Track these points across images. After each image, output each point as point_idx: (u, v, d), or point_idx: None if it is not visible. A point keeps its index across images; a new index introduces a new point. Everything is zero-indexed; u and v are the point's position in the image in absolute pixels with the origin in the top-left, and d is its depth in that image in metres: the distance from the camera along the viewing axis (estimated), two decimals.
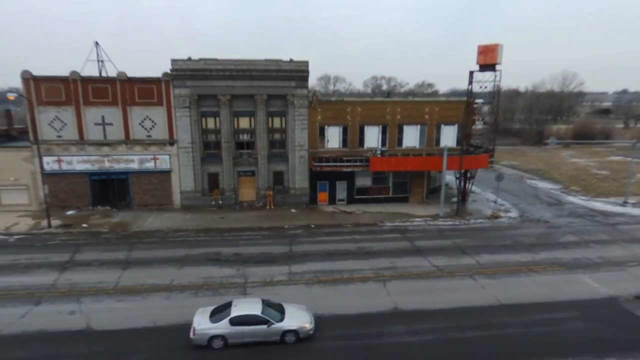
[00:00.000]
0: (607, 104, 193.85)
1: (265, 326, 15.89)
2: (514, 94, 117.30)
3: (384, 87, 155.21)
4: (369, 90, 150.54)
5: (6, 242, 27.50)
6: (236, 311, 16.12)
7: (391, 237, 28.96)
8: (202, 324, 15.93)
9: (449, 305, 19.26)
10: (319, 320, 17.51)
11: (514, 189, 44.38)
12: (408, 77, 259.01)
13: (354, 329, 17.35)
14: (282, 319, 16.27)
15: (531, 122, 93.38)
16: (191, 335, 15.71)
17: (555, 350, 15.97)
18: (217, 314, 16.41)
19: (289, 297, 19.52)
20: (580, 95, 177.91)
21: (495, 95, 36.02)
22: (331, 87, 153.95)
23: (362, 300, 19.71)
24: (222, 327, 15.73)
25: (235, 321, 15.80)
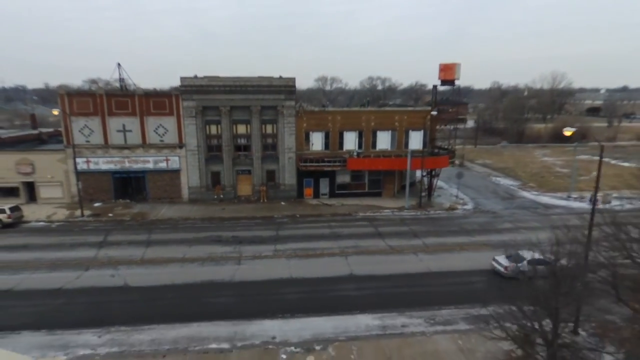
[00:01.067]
0: (599, 102, 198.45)
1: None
2: (498, 94, 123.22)
3: (379, 87, 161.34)
4: (366, 87, 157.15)
5: (50, 228, 34.30)
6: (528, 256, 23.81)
7: (360, 224, 35.56)
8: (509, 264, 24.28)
9: (391, 272, 25.86)
10: (290, 280, 24.25)
11: (477, 185, 50.79)
12: (404, 75, 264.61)
13: (315, 286, 24.00)
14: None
15: (512, 121, 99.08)
16: (503, 270, 24.45)
17: (457, 300, 22.53)
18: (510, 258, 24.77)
19: (272, 267, 26.24)
20: (570, 94, 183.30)
21: (453, 105, 42.36)
22: (328, 87, 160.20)
23: (327, 269, 26.33)
24: (524, 265, 23.13)
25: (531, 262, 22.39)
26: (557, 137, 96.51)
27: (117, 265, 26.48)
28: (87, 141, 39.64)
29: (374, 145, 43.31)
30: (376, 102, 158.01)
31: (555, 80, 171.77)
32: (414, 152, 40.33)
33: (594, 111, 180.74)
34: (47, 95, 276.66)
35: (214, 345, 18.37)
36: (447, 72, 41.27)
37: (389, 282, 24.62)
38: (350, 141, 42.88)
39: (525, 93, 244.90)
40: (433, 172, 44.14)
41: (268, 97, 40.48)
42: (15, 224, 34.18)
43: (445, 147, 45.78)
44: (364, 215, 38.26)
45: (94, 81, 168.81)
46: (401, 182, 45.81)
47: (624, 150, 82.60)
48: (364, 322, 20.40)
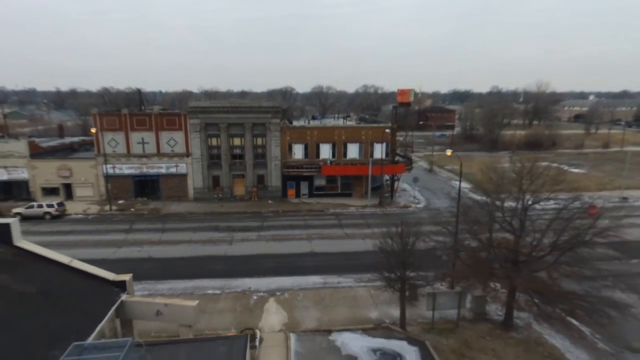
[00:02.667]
0: (585, 109, 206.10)
1: None
2: (476, 103, 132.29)
3: (373, 92, 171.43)
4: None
5: (87, 219, 44.25)
6: None
7: (328, 218, 45.21)
8: None
9: (340, 250, 35.47)
10: (267, 255, 33.99)
11: (435, 188, 60.26)
12: (404, 76, 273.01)
13: (284, 259, 33.69)
14: None
15: (488, 129, 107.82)
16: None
17: (379, 267, 32.08)
18: None
19: (255, 247, 35.98)
20: (556, 101, 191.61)
21: (406, 122, 51.95)
22: (326, 91, 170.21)
23: (294, 248, 36.00)
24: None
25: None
26: (530, 144, 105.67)
27: (142, 245, 36.31)
28: (114, 151, 49.61)
29: (344, 154, 52.95)
30: (371, 108, 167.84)
31: (539, 88, 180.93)
32: (376, 160, 49.93)
33: (580, 117, 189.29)
34: (57, 99, 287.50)
35: (210, 291, 28.08)
36: (403, 96, 50.94)
37: (337, 257, 34.24)
38: (325, 151, 52.57)
39: (521, 99, 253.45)
40: (395, 177, 53.73)
41: (258, 116, 50.30)
42: (60, 215, 44.16)
43: (404, 155, 55.37)
44: (334, 212, 47.90)
45: (106, 89, 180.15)
46: (370, 184, 55.36)
47: (585, 157, 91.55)
48: (312, 280, 30.06)
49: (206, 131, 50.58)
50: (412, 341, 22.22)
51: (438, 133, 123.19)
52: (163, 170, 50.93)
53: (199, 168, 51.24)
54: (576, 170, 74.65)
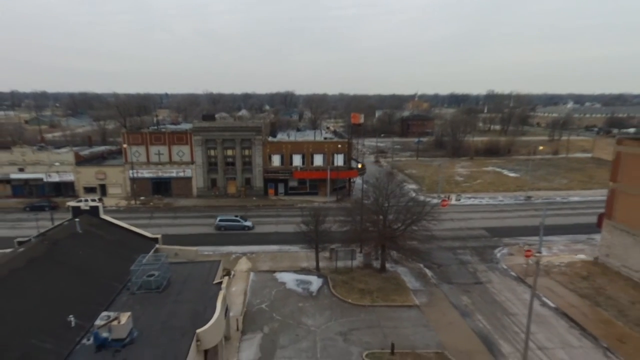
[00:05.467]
0: (562, 116, 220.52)
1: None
2: (444, 113, 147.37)
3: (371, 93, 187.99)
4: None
5: (119, 210, 60.90)
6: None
7: (294, 210, 61.45)
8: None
9: (295, 231, 51.67)
10: (247, 233, 50.46)
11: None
12: (404, 78, 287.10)
13: (257, 236, 50.06)
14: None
15: (451, 136, 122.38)
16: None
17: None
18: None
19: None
20: (532, 110, 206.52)
21: (351, 138, 68.05)
22: (322, 93, 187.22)
23: (265, 229, 52.37)
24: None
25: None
26: (488, 151, 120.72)
27: (160, 226, 52.79)
28: (137, 160, 66.20)
29: (312, 162, 69.16)
30: (366, 112, 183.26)
31: (513, 98, 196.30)
32: (334, 167, 66.11)
33: (556, 124, 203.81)
34: (70, 104, 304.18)
35: (206, 252, 44.44)
36: (355, 119, 67.20)
37: (292, 235, 50.11)
38: (297, 160, 68.83)
39: (511, 104, 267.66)
40: (351, 180, 69.90)
41: (245, 133, 66.73)
42: None
43: (358, 161, 71.50)
44: (300, 206, 64.14)
45: (116, 94, 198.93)
46: (333, 185, 71.57)
47: (531, 162, 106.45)
48: (272, 247, 46.39)
49: (206, 145, 67.02)
50: (320, 276, 38.58)
51: (416, 139, 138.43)
52: (174, 174, 67.43)
53: (200, 172, 67.67)
54: (512, 175, 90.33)
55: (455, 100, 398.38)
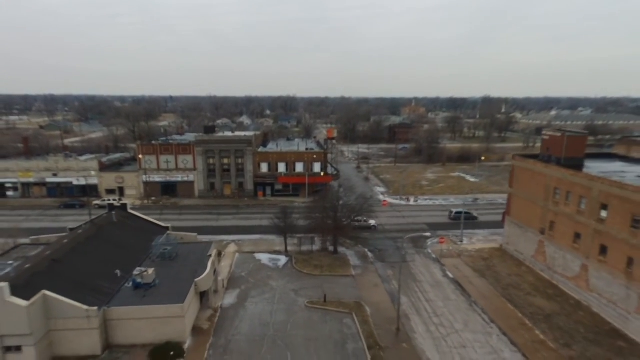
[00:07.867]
0: (545, 123, 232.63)
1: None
2: (439, 119, 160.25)
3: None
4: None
5: (135, 208, 74.73)
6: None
7: (274, 207, 75.21)
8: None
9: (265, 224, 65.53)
10: (237, 226, 64.45)
11: (360, 191, 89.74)
12: (402, 83, 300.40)
13: (244, 229, 63.90)
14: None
15: (427, 143, 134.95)
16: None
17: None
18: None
19: (231, 221, 66.33)
20: (513, 118, 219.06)
21: (330, 150, 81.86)
22: (323, 97, 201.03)
23: (252, 222, 66.24)
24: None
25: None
26: (460, 157, 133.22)
27: (170, 221, 66.62)
28: (149, 166, 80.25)
29: (294, 169, 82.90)
30: (362, 118, 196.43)
31: (497, 105, 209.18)
32: (312, 173, 79.85)
33: (540, 131, 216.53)
34: (80, 109, 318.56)
35: (204, 240, 58.23)
36: (330, 133, 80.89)
37: (273, 227, 64.18)
38: (282, 167, 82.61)
39: (503, 109, 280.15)
40: (327, 184, 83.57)
41: (239, 145, 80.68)
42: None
43: (335, 167, 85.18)
44: (283, 205, 77.79)
45: (122, 99, 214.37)
46: (312, 188, 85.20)
47: (495, 169, 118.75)
48: (255, 237, 60.18)
49: (206, 155, 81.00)
50: (287, 256, 52.39)
51: (401, 146, 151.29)
52: (179, 179, 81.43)
53: (201, 177, 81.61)
54: (472, 180, 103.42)
55: (452, 104, 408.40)
